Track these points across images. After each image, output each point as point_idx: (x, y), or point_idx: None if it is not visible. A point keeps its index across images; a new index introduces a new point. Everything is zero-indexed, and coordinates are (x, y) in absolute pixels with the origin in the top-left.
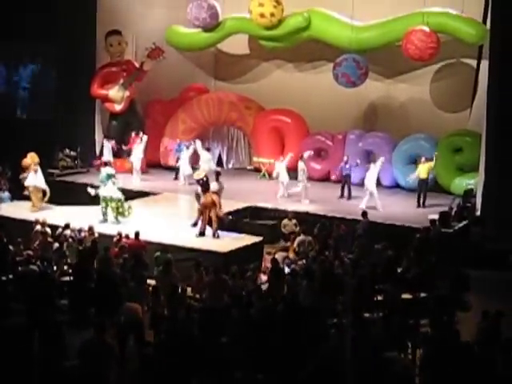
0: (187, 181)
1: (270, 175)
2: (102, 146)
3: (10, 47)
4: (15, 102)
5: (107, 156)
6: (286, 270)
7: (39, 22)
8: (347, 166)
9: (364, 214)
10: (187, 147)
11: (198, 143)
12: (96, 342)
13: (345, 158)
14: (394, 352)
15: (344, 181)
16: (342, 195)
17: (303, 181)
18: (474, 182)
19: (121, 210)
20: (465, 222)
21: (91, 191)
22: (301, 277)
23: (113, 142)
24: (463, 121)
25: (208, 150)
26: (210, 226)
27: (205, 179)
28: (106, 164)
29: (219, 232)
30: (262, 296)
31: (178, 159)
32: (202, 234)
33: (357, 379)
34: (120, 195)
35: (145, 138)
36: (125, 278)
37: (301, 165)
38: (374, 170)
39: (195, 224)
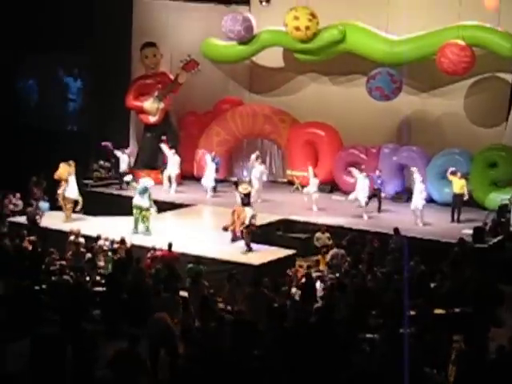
0: (210, 193)
1: (303, 188)
2: (118, 159)
3: (47, 59)
4: (50, 113)
5: (124, 167)
6: (318, 283)
7: (75, 34)
8: (379, 181)
9: (396, 230)
10: (213, 160)
11: (253, 156)
12: (128, 353)
13: (377, 172)
14: (428, 368)
15: (373, 194)
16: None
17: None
18: (510, 197)
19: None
20: (499, 238)
21: (128, 178)
22: (334, 290)
23: (128, 149)
24: (498, 135)
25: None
26: (243, 238)
27: (244, 196)
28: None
29: (252, 244)
30: (296, 309)
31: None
32: (233, 240)
33: None
34: (154, 208)
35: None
36: (157, 289)
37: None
38: (419, 187)
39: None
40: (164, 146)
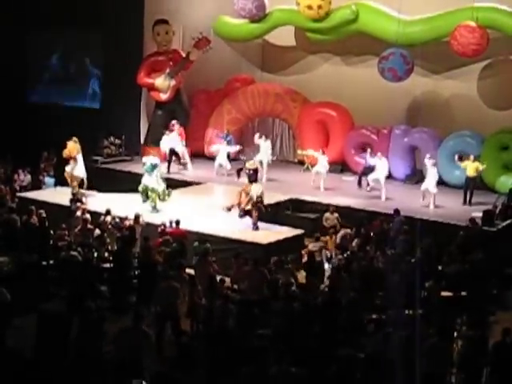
0: (221, 172)
1: (313, 167)
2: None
3: (59, 36)
4: (62, 90)
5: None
6: (326, 264)
7: (88, 11)
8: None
9: (396, 211)
10: (226, 140)
11: (257, 136)
12: (133, 330)
13: (368, 152)
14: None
15: (363, 172)
16: (359, 185)
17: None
18: None
19: (161, 197)
20: (509, 221)
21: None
22: (342, 271)
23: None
24: (510, 118)
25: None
26: (251, 216)
27: (252, 172)
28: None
29: (260, 223)
30: (301, 289)
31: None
32: (242, 215)
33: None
34: (163, 187)
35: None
36: (165, 267)
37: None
38: (432, 171)
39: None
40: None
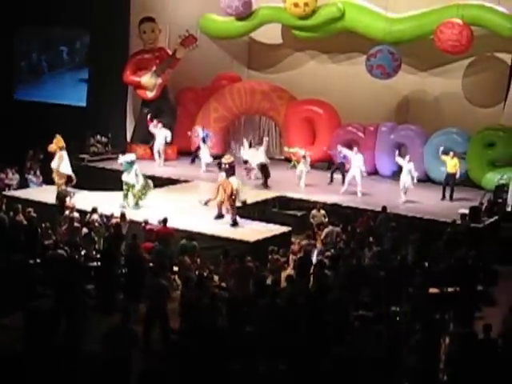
0: (206, 168)
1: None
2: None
3: (45, 33)
4: (48, 87)
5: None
6: (314, 260)
7: (74, 8)
8: (342, 156)
9: (384, 208)
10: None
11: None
12: (120, 328)
13: (339, 147)
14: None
15: (336, 167)
16: (331, 180)
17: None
18: (506, 177)
19: (142, 196)
20: (495, 218)
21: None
22: (327, 268)
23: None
24: (497, 115)
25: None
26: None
27: (228, 166)
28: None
29: (244, 221)
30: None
31: (198, 147)
32: (218, 217)
33: (379, 371)
34: (141, 183)
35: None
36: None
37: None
38: (406, 166)
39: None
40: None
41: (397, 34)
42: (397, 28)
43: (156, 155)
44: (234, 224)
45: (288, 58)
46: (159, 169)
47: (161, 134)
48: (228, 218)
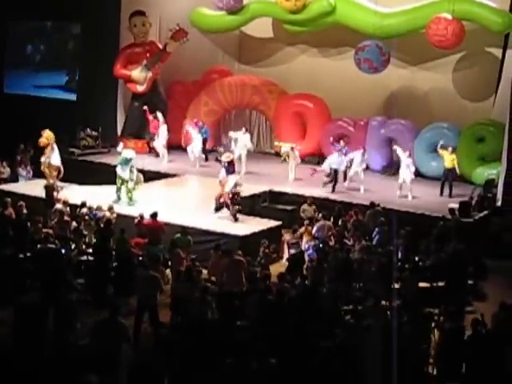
0: (198, 163)
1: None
2: None
3: (36, 27)
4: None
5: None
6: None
7: (65, 1)
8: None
9: (372, 204)
10: (201, 130)
11: (231, 133)
12: (109, 322)
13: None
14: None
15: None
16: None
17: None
18: (496, 172)
19: (134, 188)
20: (485, 212)
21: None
22: (318, 262)
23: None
24: (487, 110)
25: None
26: (228, 208)
27: (227, 164)
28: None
29: (239, 215)
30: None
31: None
32: (217, 209)
33: (371, 367)
34: (135, 179)
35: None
36: (144, 260)
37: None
38: (405, 160)
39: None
40: (160, 115)
41: (387, 29)
42: (387, 22)
43: (161, 151)
44: (235, 220)
45: (279, 53)
46: (151, 163)
47: (163, 129)
48: (225, 210)
